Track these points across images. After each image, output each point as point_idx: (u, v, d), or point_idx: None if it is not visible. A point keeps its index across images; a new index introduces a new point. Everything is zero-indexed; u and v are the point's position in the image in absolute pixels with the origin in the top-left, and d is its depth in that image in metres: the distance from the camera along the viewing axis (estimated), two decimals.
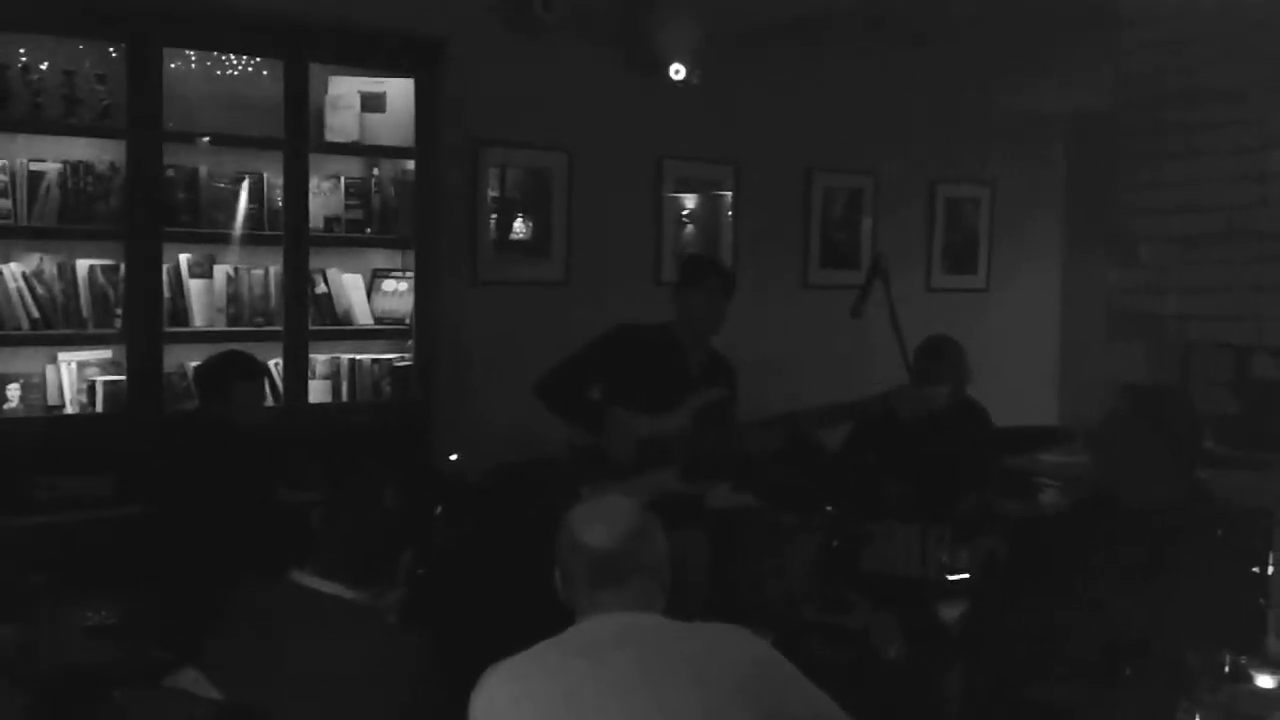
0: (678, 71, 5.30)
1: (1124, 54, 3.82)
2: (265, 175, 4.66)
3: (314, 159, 4.69)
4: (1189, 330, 3.70)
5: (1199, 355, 4.71)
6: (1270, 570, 3.10)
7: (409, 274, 4.95)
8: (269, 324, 4.67)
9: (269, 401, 4.45)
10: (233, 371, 4.04)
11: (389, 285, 5.00)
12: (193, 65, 4.54)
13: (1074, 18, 4.75)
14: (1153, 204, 3.76)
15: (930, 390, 3.88)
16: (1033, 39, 5.31)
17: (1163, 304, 3.72)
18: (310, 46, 4.60)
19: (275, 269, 4.67)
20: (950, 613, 3.89)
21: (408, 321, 4.93)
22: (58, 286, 4.31)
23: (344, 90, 4.83)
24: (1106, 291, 3.99)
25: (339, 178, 4.85)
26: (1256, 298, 3.44)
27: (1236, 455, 4.05)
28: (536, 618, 2.35)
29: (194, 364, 4.44)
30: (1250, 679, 2.48)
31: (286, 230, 4.62)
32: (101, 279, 4.37)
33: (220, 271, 4.62)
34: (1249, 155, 3.47)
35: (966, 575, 4.46)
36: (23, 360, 4.33)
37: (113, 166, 4.36)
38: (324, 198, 4.80)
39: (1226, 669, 2.47)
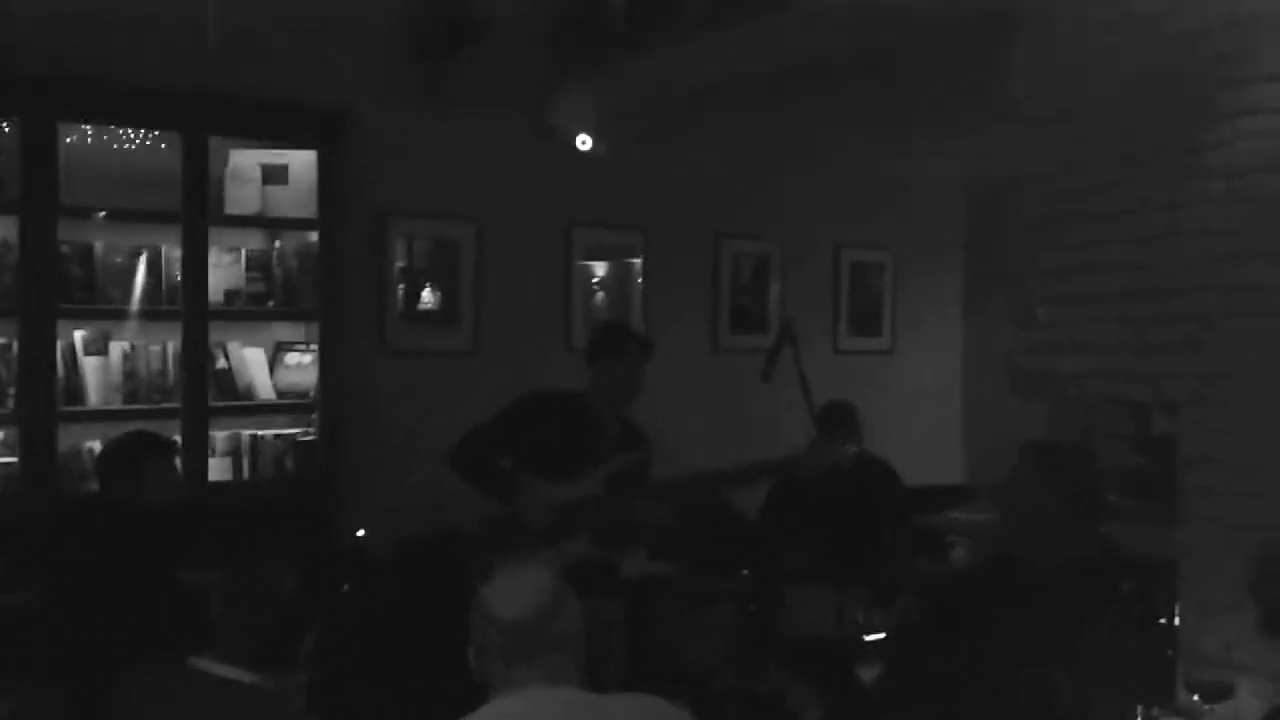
0: (584, 142, 5.33)
1: (1021, 124, 3.94)
2: (164, 249, 4.57)
3: (214, 232, 4.61)
4: (1089, 388, 3.78)
5: (1100, 412, 4.80)
6: (1177, 621, 3.16)
7: (313, 346, 4.87)
8: (167, 401, 4.55)
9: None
10: (143, 450, 3.92)
11: (292, 358, 4.91)
12: (89, 139, 4.45)
13: (973, 85, 4.88)
14: (1051, 265, 3.85)
15: (830, 447, 3.92)
16: (933, 104, 5.45)
17: (1062, 362, 3.80)
18: (209, 120, 4.54)
19: (174, 345, 4.57)
20: (869, 674, 3.89)
21: (312, 395, 4.85)
22: None
23: (245, 163, 4.77)
24: (1007, 351, 4.06)
25: (240, 250, 4.77)
26: (1154, 356, 3.53)
27: (1141, 508, 4.13)
28: (449, 696, 2.29)
29: (90, 444, 4.30)
30: None
31: (185, 305, 4.53)
32: None
33: (116, 348, 4.50)
34: (1148, 215, 3.57)
35: (883, 635, 4.48)
36: None
37: (5, 243, 4.25)
38: (224, 271, 4.71)
39: None
